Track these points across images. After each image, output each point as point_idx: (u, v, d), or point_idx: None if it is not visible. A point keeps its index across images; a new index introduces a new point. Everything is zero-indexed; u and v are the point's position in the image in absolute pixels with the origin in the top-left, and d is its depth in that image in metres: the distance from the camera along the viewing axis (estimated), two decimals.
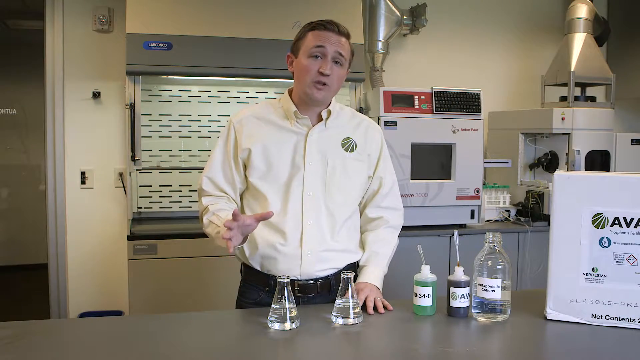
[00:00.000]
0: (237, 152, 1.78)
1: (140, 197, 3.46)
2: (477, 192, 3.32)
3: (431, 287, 1.63)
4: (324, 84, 1.71)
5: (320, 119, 1.80)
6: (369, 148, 1.86)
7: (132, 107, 3.15)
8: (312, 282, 1.77)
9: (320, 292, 1.78)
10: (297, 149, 1.77)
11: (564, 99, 3.74)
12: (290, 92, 1.83)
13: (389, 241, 1.89)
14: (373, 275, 1.79)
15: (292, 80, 1.81)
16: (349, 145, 1.82)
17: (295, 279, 1.75)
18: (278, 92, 3.54)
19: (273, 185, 1.76)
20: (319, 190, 1.77)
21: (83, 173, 3.49)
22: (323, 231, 1.77)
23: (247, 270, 1.84)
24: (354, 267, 1.88)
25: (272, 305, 1.54)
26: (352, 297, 1.57)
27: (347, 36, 1.76)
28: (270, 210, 1.73)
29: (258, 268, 1.79)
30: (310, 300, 1.77)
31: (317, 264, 1.76)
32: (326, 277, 1.79)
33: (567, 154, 3.54)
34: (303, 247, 1.74)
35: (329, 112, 1.79)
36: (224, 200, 1.81)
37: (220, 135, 1.84)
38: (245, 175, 1.80)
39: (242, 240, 1.64)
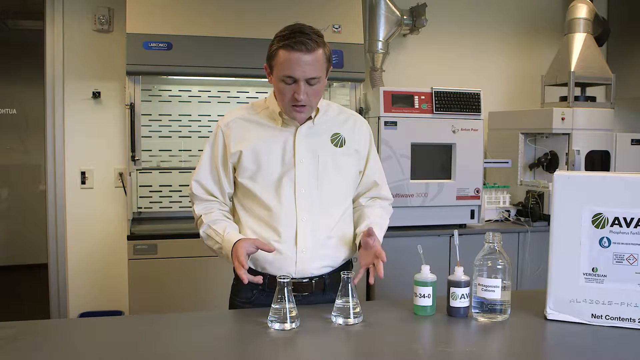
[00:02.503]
0: (226, 156, 1.79)
1: (140, 197, 3.46)
2: (477, 192, 3.32)
3: (431, 287, 1.63)
4: (303, 106, 1.70)
5: (308, 117, 1.79)
6: (357, 143, 1.86)
7: (132, 107, 3.15)
8: (306, 280, 1.77)
9: (314, 290, 1.78)
10: (287, 147, 1.76)
11: (564, 99, 3.74)
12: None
13: (384, 216, 1.90)
14: (376, 231, 1.77)
15: None
16: (338, 140, 1.82)
17: (291, 277, 1.74)
18: None
19: (263, 185, 1.76)
20: (312, 187, 1.77)
21: (83, 173, 3.49)
22: (317, 228, 1.77)
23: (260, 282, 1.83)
24: (349, 265, 1.88)
25: (272, 305, 1.54)
26: (352, 297, 1.57)
27: (319, 45, 1.66)
28: (264, 209, 1.74)
29: (252, 266, 1.79)
30: (304, 299, 1.75)
31: (313, 262, 1.76)
32: (321, 276, 1.79)
33: (567, 154, 3.54)
34: (298, 245, 1.75)
35: (317, 110, 1.79)
36: (216, 207, 1.82)
37: (208, 139, 1.84)
38: (235, 177, 1.80)
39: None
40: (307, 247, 1.75)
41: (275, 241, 1.74)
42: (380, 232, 1.81)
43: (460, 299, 1.61)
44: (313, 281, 1.78)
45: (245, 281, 1.60)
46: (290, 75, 1.65)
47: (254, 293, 1.80)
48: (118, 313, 3.48)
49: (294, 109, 1.71)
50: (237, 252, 1.64)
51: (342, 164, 1.81)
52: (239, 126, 1.79)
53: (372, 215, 1.86)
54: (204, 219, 1.79)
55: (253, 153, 1.75)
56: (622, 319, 1.56)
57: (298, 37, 1.63)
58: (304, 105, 1.70)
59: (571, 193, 1.59)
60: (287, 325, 1.51)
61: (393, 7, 3.66)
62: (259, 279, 1.64)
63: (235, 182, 1.83)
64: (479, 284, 1.60)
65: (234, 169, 1.80)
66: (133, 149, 3.17)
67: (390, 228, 1.94)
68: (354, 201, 1.92)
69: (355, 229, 1.87)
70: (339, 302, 1.58)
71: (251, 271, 1.79)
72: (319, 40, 1.67)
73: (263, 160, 1.75)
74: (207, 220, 1.78)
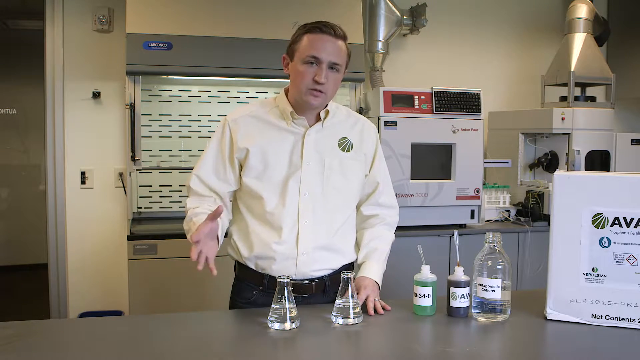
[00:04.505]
0: (232, 152, 1.77)
1: (140, 197, 3.46)
2: (477, 192, 3.32)
3: (431, 287, 1.63)
4: (320, 91, 1.69)
5: (317, 118, 1.79)
6: (365, 147, 1.85)
7: (132, 107, 3.15)
8: (306, 282, 1.77)
9: (314, 292, 1.78)
10: (295, 149, 1.76)
11: (564, 99, 3.74)
12: (286, 92, 1.81)
13: (386, 238, 1.90)
14: (373, 271, 1.80)
15: None
16: (345, 145, 1.81)
17: (291, 278, 1.74)
18: (278, 92, 3.53)
19: (268, 185, 1.75)
20: (316, 191, 1.76)
21: (83, 173, 3.49)
22: (319, 231, 1.76)
23: (241, 268, 1.83)
24: (350, 268, 1.87)
25: (272, 305, 1.54)
26: (352, 297, 1.57)
27: (344, 38, 1.73)
28: (267, 209, 1.73)
29: (252, 267, 1.79)
30: (304, 301, 1.75)
31: (313, 264, 1.76)
32: (321, 278, 1.79)
33: (567, 154, 3.54)
34: (299, 247, 1.74)
35: (327, 112, 1.78)
36: (208, 203, 1.77)
37: (214, 134, 1.82)
38: (240, 175, 1.79)
39: (218, 245, 1.64)
40: (307, 250, 1.75)
41: (276, 242, 1.74)
42: (378, 261, 1.83)
43: (460, 299, 1.61)
44: (313, 283, 1.77)
45: (193, 257, 1.51)
46: (316, 56, 1.67)
47: (254, 293, 1.80)
48: (118, 313, 3.48)
49: (311, 93, 1.69)
50: (193, 234, 1.57)
51: (348, 168, 1.80)
52: (247, 123, 1.78)
53: (371, 241, 1.86)
54: (189, 213, 1.74)
55: (261, 152, 1.74)
56: (622, 319, 1.56)
57: (325, 24, 1.70)
58: (322, 92, 1.69)
59: (571, 193, 1.59)
60: (287, 325, 1.51)
61: (393, 7, 3.66)
62: (212, 269, 1.55)
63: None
64: (479, 284, 1.60)
65: (240, 167, 1.78)
66: (133, 149, 3.17)
67: None
68: (358, 208, 1.91)
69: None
70: (339, 302, 1.58)
71: (251, 272, 1.79)
72: (343, 34, 1.73)
73: (270, 160, 1.74)
74: (191, 213, 1.73)
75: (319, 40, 1.68)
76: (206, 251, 1.54)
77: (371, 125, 1.91)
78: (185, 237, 2.93)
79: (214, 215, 1.57)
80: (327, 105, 1.79)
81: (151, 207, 3.48)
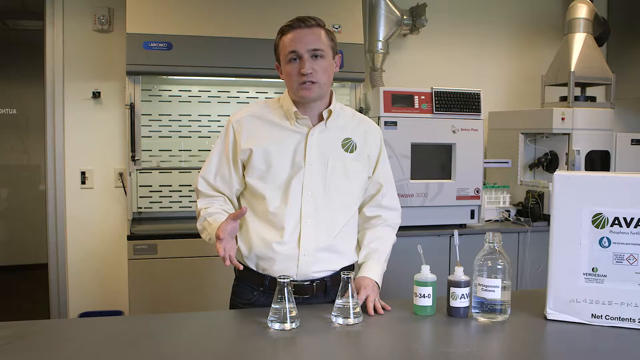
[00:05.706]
0: (236, 153, 1.78)
1: (140, 197, 3.46)
2: (477, 192, 3.32)
3: (431, 287, 1.63)
4: (311, 82, 1.70)
5: (320, 118, 1.79)
6: (368, 149, 1.85)
7: (132, 107, 3.15)
8: (307, 283, 1.76)
9: (315, 293, 1.78)
10: (298, 149, 1.76)
11: (564, 99, 3.74)
12: None
13: (387, 239, 1.89)
14: (372, 270, 1.80)
15: None
16: (349, 145, 1.81)
17: (291, 279, 1.74)
18: (278, 92, 3.54)
19: (271, 185, 1.75)
20: (319, 191, 1.76)
21: (83, 173, 3.49)
22: (321, 232, 1.76)
23: (241, 269, 1.83)
24: (351, 269, 1.87)
25: (272, 305, 1.54)
26: (352, 297, 1.57)
27: (319, 25, 1.73)
28: (269, 209, 1.74)
29: (253, 268, 1.79)
30: (305, 302, 1.75)
31: (314, 265, 1.75)
32: (322, 279, 1.78)
33: (567, 154, 3.54)
34: (301, 248, 1.74)
35: (330, 112, 1.78)
36: (219, 202, 1.80)
37: (220, 135, 1.83)
38: (244, 175, 1.80)
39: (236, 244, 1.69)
40: (309, 250, 1.74)
41: (277, 242, 1.73)
42: (379, 262, 1.83)
43: (460, 299, 1.61)
44: (314, 284, 1.77)
45: (221, 253, 1.58)
46: (294, 50, 1.69)
47: (255, 295, 1.79)
48: (118, 313, 3.48)
49: (302, 87, 1.70)
50: (217, 231, 1.61)
51: (351, 169, 1.80)
52: (251, 123, 1.78)
53: (372, 242, 1.86)
54: (202, 213, 1.78)
55: (264, 152, 1.74)
56: (622, 319, 1.56)
57: (296, 19, 1.73)
58: (312, 82, 1.70)
59: (571, 193, 1.59)
60: (287, 325, 1.51)
61: (393, 7, 3.66)
62: (239, 265, 1.63)
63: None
64: (479, 284, 1.60)
65: (244, 167, 1.79)
66: (133, 149, 3.17)
67: None
68: (361, 209, 1.91)
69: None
70: (339, 302, 1.58)
71: (252, 272, 1.79)
72: (319, 21, 1.74)
73: (274, 160, 1.74)
74: (204, 213, 1.77)
75: (293, 36, 1.70)
76: (229, 249, 1.60)
77: (376, 127, 1.91)
78: (186, 237, 2.99)
79: (237, 215, 1.63)
80: (330, 103, 1.79)
81: (151, 207, 3.48)
